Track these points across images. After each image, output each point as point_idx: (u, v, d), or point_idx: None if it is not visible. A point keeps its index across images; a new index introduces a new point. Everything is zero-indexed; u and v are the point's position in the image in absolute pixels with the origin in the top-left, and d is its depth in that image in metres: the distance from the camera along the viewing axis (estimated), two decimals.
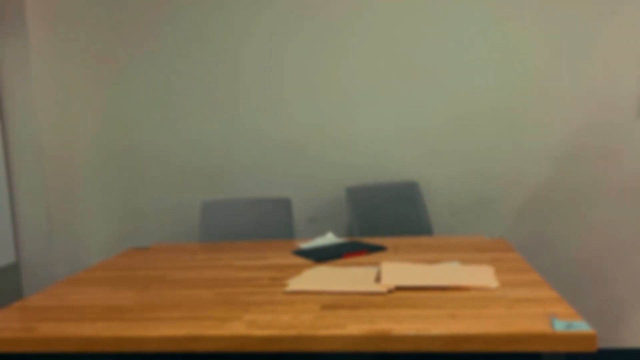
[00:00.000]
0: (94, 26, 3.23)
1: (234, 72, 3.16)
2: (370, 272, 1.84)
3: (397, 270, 1.82)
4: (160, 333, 1.39)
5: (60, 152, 3.12)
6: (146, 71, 3.23)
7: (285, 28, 3.10)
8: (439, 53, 3.00)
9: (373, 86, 3.07)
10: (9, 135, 2.94)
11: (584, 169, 2.97)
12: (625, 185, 2.95)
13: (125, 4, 3.19)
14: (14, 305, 1.73)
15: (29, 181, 2.96)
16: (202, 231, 2.86)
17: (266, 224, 2.90)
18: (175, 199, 3.27)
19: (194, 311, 1.56)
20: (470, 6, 2.95)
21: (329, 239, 2.47)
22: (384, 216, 2.93)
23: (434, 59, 3.01)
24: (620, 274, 3.00)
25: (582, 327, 1.27)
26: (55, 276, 2.98)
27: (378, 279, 1.74)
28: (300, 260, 2.10)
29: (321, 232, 3.03)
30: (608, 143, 2.94)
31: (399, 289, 1.65)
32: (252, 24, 3.12)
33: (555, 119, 2.96)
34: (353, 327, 1.36)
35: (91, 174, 3.33)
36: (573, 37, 2.90)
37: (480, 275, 1.73)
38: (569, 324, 1.29)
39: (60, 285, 1.95)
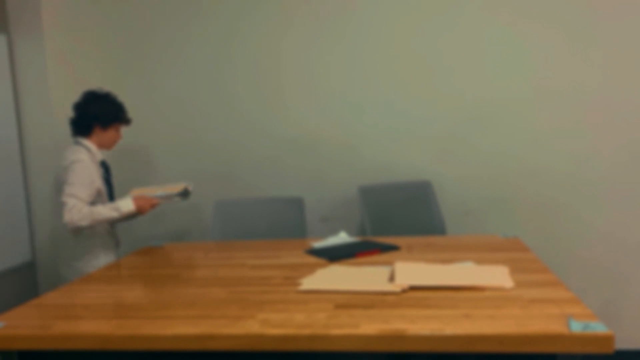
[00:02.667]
0: (110, 26, 3.25)
1: (248, 72, 3.17)
2: (384, 271, 1.83)
3: (411, 270, 1.81)
4: (174, 331, 1.40)
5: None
6: (160, 71, 3.24)
7: (299, 28, 3.10)
8: (453, 53, 2.99)
9: (386, 86, 3.06)
10: (25, 134, 2.97)
11: (598, 168, 2.94)
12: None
13: (140, 3, 3.21)
14: (30, 303, 1.75)
15: (45, 180, 2.99)
16: (215, 230, 2.87)
17: (279, 223, 2.90)
18: (189, 198, 3.28)
19: (208, 310, 1.56)
20: (486, 7, 2.93)
21: (342, 238, 2.46)
22: (397, 215, 2.92)
23: (448, 59, 2.99)
24: (636, 275, 2.97)
25: (599, 328, 1.26)
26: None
27: (392, 278, 1.74)
28: (313, 260, 2.10)
29: (334, 232, 3.02)
30: (622, 145, 2.90)
31: (413, 288, 1.64)
32: (266, 25, 3.13)
33: (570, 119, 2.93)
34: (367, 326, 1.35)
35: None
36: (589, 37, 2.87)
37: (495, 275, 1.72)
38: (585, 324, 1.27)
39: (76, 283, 1.97)
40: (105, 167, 2.59)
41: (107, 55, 3.28)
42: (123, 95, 3.27)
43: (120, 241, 2.71)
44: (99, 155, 2.56)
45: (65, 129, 3.04)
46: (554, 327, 1.28)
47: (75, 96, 3.14)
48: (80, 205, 2.30)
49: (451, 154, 3.04)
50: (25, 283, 2.99)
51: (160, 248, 2.52)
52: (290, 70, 3.13)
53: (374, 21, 3.03)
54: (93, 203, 2.41)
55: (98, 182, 2.45)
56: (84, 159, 2.40)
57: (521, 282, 1.65)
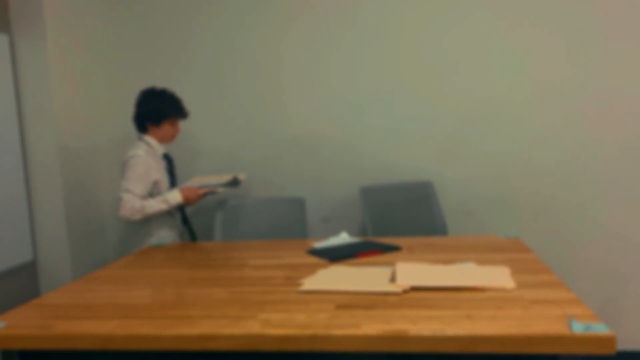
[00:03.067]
0: (112, 26, 3.26)
1: (249, 72, 3.17)
2: (385, 272, 1.83)
3: (412, 271, 1.81)
4: (176, 332, 1.40)
5: (78, 152, 3.14)
6: (162, 71, 3.25)
7: (300, 28, 3.10)
8: (454, 53, 2.99)
9: (388, 86, 3.06)
10: (27, 134, 2.97)
11: (599, 169, 2.93)
12: None
13: (142, 4, 3.21)
14: (31, 302, 1.75)
15: (46, 180, 2.99)
16: (216, 230, 2.87)
17: (280, 224, 2.90)
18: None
19: (209, 310, 1.56)
20: (487, 8, 2.93)
21: (343, 238, 2.46)
22: (398, 216, 2.92)
23: (449, 60, 2.99)
24: (638, 275, 2.96)
25: (600, 329, 1.25)
26: (72, 274, 3.01)
27: (393, 279, 1.73)
28: (314, 260, 2.09)
29: (335, 232, 3.02)
30: (624, 144, 2.90)
31: (414, 289, 1.64)
32: (267, 25, 3.13)
33: (570, 120, 2.93)
34: (368, 327, 1.35)
35: (108, 174, 3.35)
36: (590, 38, 2.87)
37: (496, 276, 1.71)
38: (587, 325, 1.27)
39: (77, 283, 1.97)
40: (168, 159, 2.75)
41: (109, 55, 3.28)
42: (123, 95, 3.28)
43: (191, 230, 2.85)
44: (160, 149, 2.71)
45: (67, 128, 3.05)
46: (556, 328, 1.28)
47: (76, 96, 3.15)
48: (133, 200, 2.48)
49: (452, 154, 3.04)
50: (26, 283, 2.99)
51: (162, 248, 2.52)
52: (291, 71, 3.13)
53: (375, 22, 3.03)
54: (151, 195, 2.59)
55: (156, 175, 2.61)
56: (140, 154, 2.56)
57: (522, 282, 1.65)
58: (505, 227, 3.00)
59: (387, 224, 2.87)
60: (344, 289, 1.67)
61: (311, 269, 1.94)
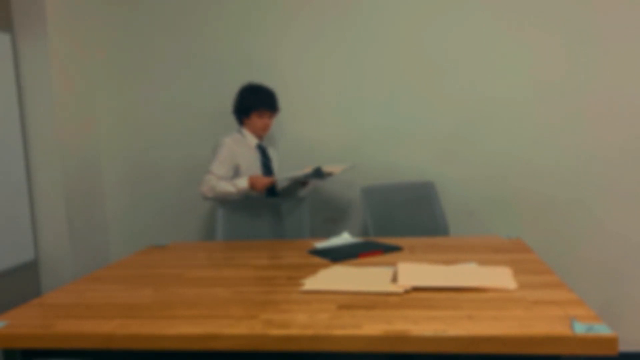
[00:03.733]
0: (114, 26, 3.26)
1: (248, 73, 3.17)
2: (387, 272, 1.83)
3: (414, 271, 1.81)
4: (177, 331, 1.40)
5: (80, 151, 3.15)
6: (164, 72, 3.25)
7: (301, 29, 3.10)
8: (455, 54, 2.99)
9: (389, 87, 3.06)
10: (29, 133, 2.98)
11: (600, 170, 2.93)
12: None
13: (144, 4, 3.21)
14: (33, 302, 1.75)
15: (48, 179, 2.99)
16: (219, 230, 2.86)
17: (282, 224, 2.89)
18: (193, 197, 3.29)
19: (211, 310, 1.56)
20: (488, 8, 2.93)
21: (345, 238, 2.46)
22: (400, 216, 2.91)
23: (451, 60, 2.99)
24: (638, 276, 2.96)
25: (602, 329, 1.25)
26: (74, 274, 3.01)
27: (394, 279, 1.73)
28: (316, 260, 2.09)
29: (337, 232, 3.02)
30: (625, 144, 2.90)
31: (416, 289, 1.64)
32: (268, 24, 3.13)
33: (572, 120, 2.93)
34: (369, 327, 1.35)
35: (110, 173, 3.36)
36: (589, 39, 2.87)
37: (498, 276, 1.71)
38: (589, 326, 1.27)
39: (79, 282, 1.97)
40: (261, 150, 2.88)
41: (110, 54, 3.28)
42: (125, 95, 3.29)
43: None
44: (254, 140, 2.87)
45: (69, 128, 3.06)
46: (557, 328, 1.28)
47: (78, 95, 3.16)
48: (209, 178, 2.70)
49: (454, 154, 3.04)
50: (27, 282, 3.00)
51: (164, 247, 2.53)
52: (292, 71, 3.13)
53: (376, 22, 3.03)
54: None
55: (241, 162, 2.78)
56: (226, 141, 2.78)
57: (524, 283, 1.65)
58: (507, 227, 3.00)
59: (389, 224, 2.87)
60: (345, 289, 1.67)
61: (313, 269, 1.94)
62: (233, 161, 2.77)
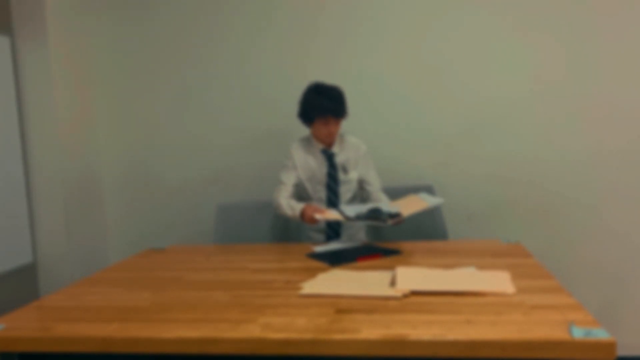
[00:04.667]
0: (114, 29, 3.26)
1: (249, 76, 3.17)
2: (385, 276, 1.83)
3: (413, 275, 1.81)
4: (176, 334, 1.40)
5: (79, 154, 3.15)
6: (163, 73, 3.25)
7: (301, 32, 3.10)
8: (457, 57, 2.99)
9: (389, 90, 3.06)
10: (28, 136, 2.98)
11: (600, 173, 2.93)
12: None
13: (144, 7, 3.22)
14: (31, 305, 1.75)
15: (46, 182, 2.99)
16: (217, 233, 2.86)
17: (281, 227, 2.89)
18: (191, 200, 3.29)
19: (209, 313, 1.56)
20: (489, 11, 2.94)
21: (344, 242, 2.46)
22: None
23: (451, 64, 2.99)
24: (639, 282, 2.96)
25: (601, 334, 1.25)
26: (72, 277, 3.01)
27: (393, 283, 1.73)
28: (314, 264, 2.09)
29: None
30: (625, 147, 2.90)
31: (415, 293, 1.64)
32: (269, 28, 3.13)
33: (572, 124, 2.93)
34: (368, 331, 1.35)
35: (108, 176, 3.36)
36: (590, 44, 2.87)
37: (497, 281, 1.71)
38: (587, 331, 1.27)
39: (76, 285, 1.97)
40: (327, 157, 2.63)
41: (111, 57, 3.28)
42: (124, 99, 3.29)
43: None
44: (319, 145, 2.64)
45: (68, 130, 3.05)
46: (556, 333, 1.28)
47: (78, 98, 3.16)
48: (279, 194, 2.56)
49: (453, 158, 3.04)
50: (25, 285, 2.99)
51: (163, 251, 2.52)
52: (292, 74, 3.13)
53: (376, 25, 3.04)
54: (299, 185, 2.63)
55: (303, 170, 2.61)
56: (293, 147, 2.66)
57: (523, 287, 1.65)
58: (507, 231, 2.99)
59: (388, 228, 2.86)
60: (344, 293, 1.67)
61: (311, 273, 1.94)
62: (295, 167, 2.61)
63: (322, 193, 2.62)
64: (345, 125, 3.15)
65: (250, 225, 2.89)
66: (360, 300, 1.60)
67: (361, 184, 2.69)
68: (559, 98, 2.93)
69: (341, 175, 2.63)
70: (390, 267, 1.94)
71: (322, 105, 2.53)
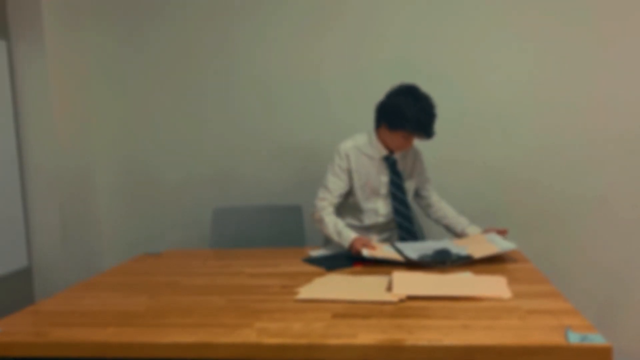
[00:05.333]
0: (111, 32, 3.26)
1: (246, 79, 3.17)
2: (382, 281, 1.83)
3: (409, 280, 1.81)
4: (172, 339, 1.39)
5: (74, 158, 3.14)
6: (160, 77, 3.25)
7: (299, 34, 3.11)
8: (451, 61, 2.99)
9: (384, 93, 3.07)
10: (23, 140, 2.97)
11: (597, 178, 2.94)
12: (638, 196, 2.92)
13: (141, 9, 3.22)
14: (26, 309, 1.74)
15: (42, 186, 2.98)
16: (213, 238, 2.86)
17: (277, 231, 2.89)
18: (187, 205, 3.28)
19: (205, 318, 1.56)
20: (483, 18, 2.95)
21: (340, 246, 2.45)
22: None
23: (446, 68, 3.00)
24: (637, 287, 2.96)
25: (597, 339, 1.25)
26: (67, 281, 2.99)
27: (389, 288, 1.73)
28: (311, 268, 2.09)
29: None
30: (621, 152, 2.91)
31: (411, 298, 1.64)
32: (266, 31, 3.13)
33: (569, 129, 2.94)
34: (365, 336, 1.35)
35: (104, 180, 3.35)
36: (584, 48, 2.89)
37: (493, 286, 1.71)
38: (583, 336, 1.27)
39: (72, 290, 1.96)
40: (390, 164, 2.38)
41: (107, 61, 3.28)
42: (120, 103, 3.29)
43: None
44: (382, 150, 2.36)
45: (64, 135, 3.05)
46: (552, 338, 1.28)
47: (74, 102, 3.15)
48: (322, 204, 2.35)
49: (450, 164, 3.04)
50: (21, 289, 2.98)
51: (158, 255, 2.52)
52: (290, 77, 3.14)
53: (374, 28, 3.04)
54: (349, 193, 2.40)
55: (357, 176, 2.36)
56: (342, 148, 2.38)
57: (519, 292, 1.65)
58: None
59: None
60: (340, 298, 1.67)
61: (308, 278, 1.94)
62: (354, 172, 2.37)
63: (376, 204, 2.39)
64: (346, 125, 3.13)
65: (246, 230, 2.88)
66: (357, 305, 1.60)
67: (416, 191, 2.50)
68: (555, 106, 2.94)
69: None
70: (387, 272, 1.94)
71: (422, 122, 2.23)
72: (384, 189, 2.39)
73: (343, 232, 2.26)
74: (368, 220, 2.43)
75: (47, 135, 2.96)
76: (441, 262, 1.99)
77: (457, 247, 2.14)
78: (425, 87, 3.05)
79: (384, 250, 2.13)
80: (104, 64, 3.28)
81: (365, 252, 2.09)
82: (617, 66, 2.87)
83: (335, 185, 2.36)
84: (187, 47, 3.21)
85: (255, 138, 3.20)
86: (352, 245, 2.19)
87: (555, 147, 2.96)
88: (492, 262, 2.04)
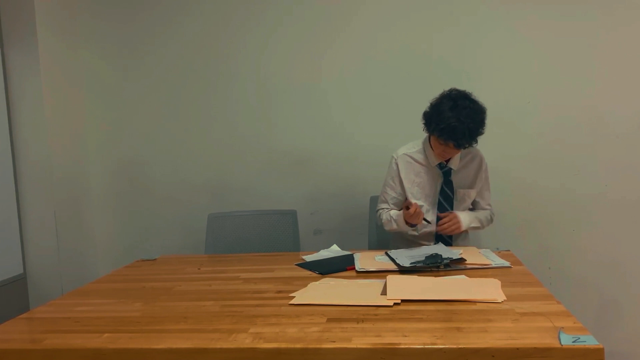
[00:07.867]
0: (105, 38, 3.26)
1: (240, 86, 3.18)
2: (376, 285, 1.83)
3: (403, 284, 1.81)
4: (167, 345, 1.39)
5: (69, 165, 3.13)
6: (155, 82, 3.25)
7: (294, 39, 3.12)
8: (449, 64, 3.01)
9: (381, 98, 3.08)
10: (17, 146, 2.96)
11: (591, 181, 2.96)
12: (632, 197, 2.94)
13: (135, 15, 3.22)
14: (21, 316, 1.74)
15: (36, 193, 2.98)
16: (208, 243, 2.86)
17: (272, 236, 2.89)
18: (182, 211, 3.28)
19: (200, 323, 1.56)
20: (484, 20, 2.97)
21: (333, 251, 2.46)
22: None
23: (444, 70, 3.01)
24: (626, 287, 2.98)
25: (589, 341, 1.26)
26: (62, 288, 2.99)
27: (384, 292, 1.74)
28: (306, 273, 2.09)
29: (329, 245, 3.02)
30: (614, 156, 2.93)
31: (405, 302, 1.64)
32: (261, 36, 3.14)
33: (563, 132, 2.96)
34: (359, 340, 1.35)
35: (99, 187, 3.35)
36: (581, 52, 2.91)
37: (487, 289, 1.72)
38: (576, 338, 1.28)
39: (67, 297, 1.96)
40: (443, 171, 2.34)
41: (101, 66, 3.28)
42: (114, 108, 3.29)
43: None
44: (433, 157, 2.32)
45: (58, 141, 3.04)
46: (545, 340, 1.29)
47: (68, 108, 3.15)
48: (381, 211, 2.42)
49: None
50: (16, 296, 2.97)
51: (154, 261, 2.52)
52: (284, 82, 3.15)
53: (372, 30, 3.05)
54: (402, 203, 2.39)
55: (414, 183, 2.35)
56: (396, 155, 2.41)
57: (513, 295, 1.66)
58: (498, 240, 3.00)
59: (386, 235, 2.87)
60: (335, 302, 1.67)
61: (303, 282, 1.94)
62: (405, 183, 2.36)
63: (432, 215, 2.36)
64: (342, 131, 3.13)
65: (241, 235, 2.89)
66: (351, 309, 1.60)
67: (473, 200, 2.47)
68: (548, 109, 2.96)
69: (458, 194, 2.36)
70: (381, 276, 1.94)
71: (449, 130, 2.13)
72: (434, 196, 2.38)
73: (397, 219, 2.33)
74: (422, 227, 2.42)
75: (41, 141, 2.95)
76: (434, 265, 1.99)
77: (450, 252, 2.14)
78: (425, 88, 3.06)
79: (377, 263, 2.11)
80: (98, 70, 3.28)
81: (358, 266, 2.07)
82: (617, 66, 2.89)
83: (387, 196, 2.44)
84: (181, 53, 3.22)
85: (251, 144, 3.21)
86: (407, 222, 2.26)
87: (555, 147, 2.97)
88: (485, 266, 2.05)
